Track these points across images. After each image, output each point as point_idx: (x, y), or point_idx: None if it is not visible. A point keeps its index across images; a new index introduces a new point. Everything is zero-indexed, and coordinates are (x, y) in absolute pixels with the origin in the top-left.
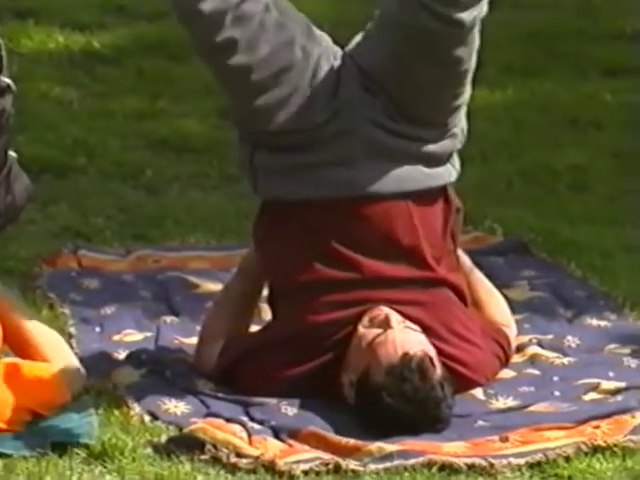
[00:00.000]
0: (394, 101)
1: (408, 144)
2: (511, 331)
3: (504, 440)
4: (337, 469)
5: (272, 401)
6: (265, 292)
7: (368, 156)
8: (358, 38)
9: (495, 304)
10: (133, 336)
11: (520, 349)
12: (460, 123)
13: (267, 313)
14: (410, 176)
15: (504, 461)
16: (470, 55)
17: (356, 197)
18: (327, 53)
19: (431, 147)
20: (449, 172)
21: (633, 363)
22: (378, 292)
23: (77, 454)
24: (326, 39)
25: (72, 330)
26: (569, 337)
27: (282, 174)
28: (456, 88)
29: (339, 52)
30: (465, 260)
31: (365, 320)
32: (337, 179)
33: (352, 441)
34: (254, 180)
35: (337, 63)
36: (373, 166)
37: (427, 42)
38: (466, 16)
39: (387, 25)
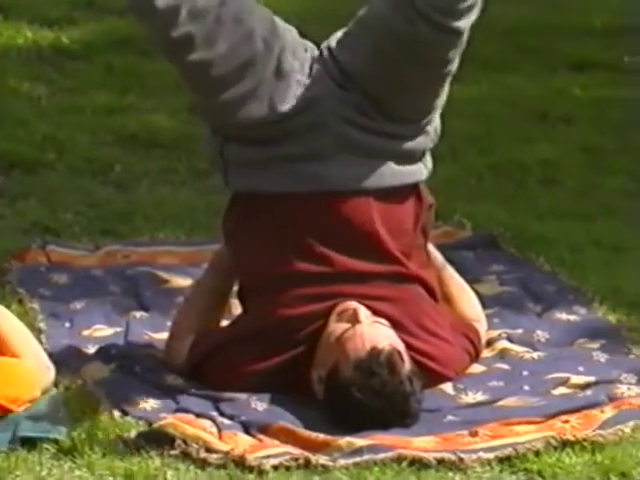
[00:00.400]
0: (371, 98)
1: (380, 141)
2: (481, 326)
3: (474, 435)
4: (307, 464)
5: (242, 396)
6: (236, 287)
7: (339, 151)
8: (339, 34)
9: (466, 300)
10: (103, 331)
11: (490, 344)
12: (434, 122)
13: (237, 308)
14: (381, 172)
15: (474, 456)
16: (457, 56)
17: (326, 192)
18: (293, 46)
19: (404, 144)
20: (420, 170)
21: (602, 357)
22: (349, 286)
23: (47, 449)
24: (293, 33)
25: (42, 325)
26: (538, 331)
27: (253, 167)
28: (440, 87)
29: (310, 45)
30: (437, 256)
31: (333, 315)
32: (307, 173)
33: (322, 436)
34: (225, 173)
35: (307, 56)
36: (343, 162)
37: (419, 48)
38: (463, 24)
39: (375, 28)
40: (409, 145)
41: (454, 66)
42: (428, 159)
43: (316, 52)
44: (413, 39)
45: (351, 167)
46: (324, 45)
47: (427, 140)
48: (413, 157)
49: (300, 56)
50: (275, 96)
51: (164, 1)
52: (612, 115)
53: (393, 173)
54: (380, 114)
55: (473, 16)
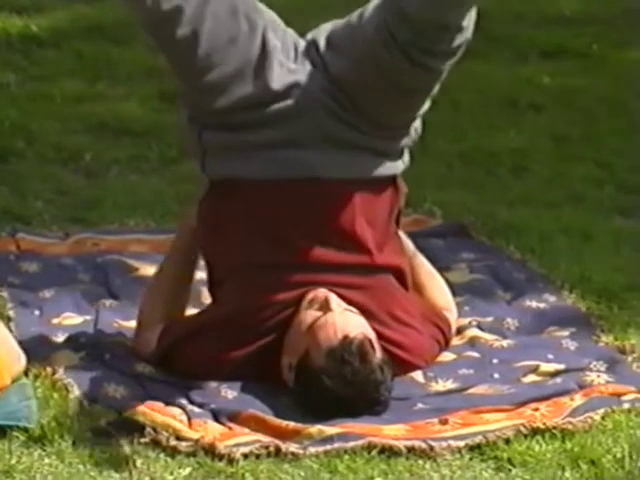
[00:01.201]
0: (352, 100)
1: (360, 136)
2: (452, 314)
3: (444, 423)
4: (277, 452)
5: (212, 384)
6: (204, 275)
7: (318, 141)
8: (328, 29)
9: (436, 288)
10: (72, 319)
11: (460, 331)
12: (414, 123)
13: (207, 296)
14: (360, 164)
15: (444, 444)
16: (437, 85)
17: (303, 179)
18: (273, 25)
19: (384, 143)
20: (398, 165)
21: (572, 345)
22: (320, 276)
23: (16, 437)
24: (271, 13)
25: (11, 313)
26: (508, 319)
27: (232, 154)
28: (420, 107)
29: (289, 31)
30: (408, 244)
31: (304, 303)
32: (289, 159)
33: (292, 424)
34: (203, 160)
35: (289, 40)
36: (323, 150)
37: (397, 77)
38: (444, 66)
39: (360, 44)
40: (389, 144)
41: (434, 91)
42: (406, 154)
43: (299, 39)
44: (392, 67)
45: (330, 156)
46: (310, 37)
47: (407, 140)
48: (393, 154)
49: (280, 37)
50: (261, 75)
51: None
52: (581, 103)
53: (373, 165)
54: (359, 115)
55: (456, 57)
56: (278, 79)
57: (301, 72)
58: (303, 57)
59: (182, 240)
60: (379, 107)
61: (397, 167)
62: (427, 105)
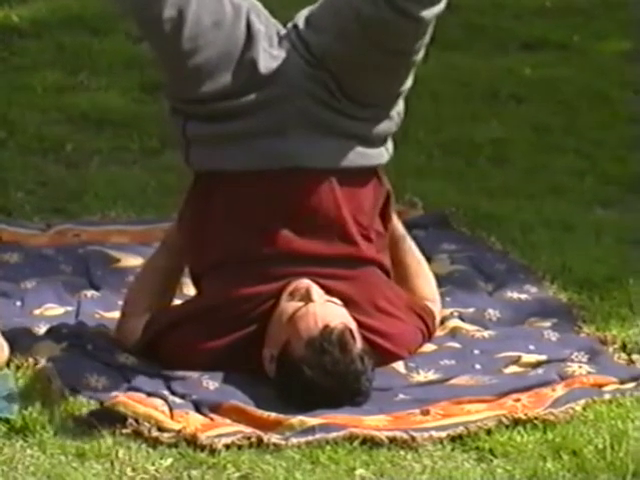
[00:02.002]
0: (337, 79)
1: (344, 121)
2: (436, 306)
3: (425, 413)
4: (259, 443)
5: (194, 375)
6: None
7: (301, 127)
8: (305, 13)
9: (423, 276)
10: (54, 310)
11: (441, 322)
12: (397, 107)
13: (190, 288)
14: (344, 152)
15: (425, 434)
16: (422, 47)
17: (285, 169)
18: (256, 10)
19: (368, 127)
20: (382, 154)
21: (553, 336)
22: (304, 268)
23: None
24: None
25: None
26: (490, 310)
27: (215, 145)
28: (405, 77)
29: (273, 20)
30: (399, 227)
31: (286, 293)
32: (268, 150)
33: (273, 415)
34: (187, 152)
35: (272, 27)
36: (306, 138)
37: (383, 35)
38: (428, 14)
39: (342, 10)
40: (372, 129)
41: (419, 56)
42: (390, 143)
43: (281, 27)
44: (378, 25)
45: (312, 145)
46: (290, 24)
47: (391, 124)
48: (376, 140)
49: (264, 22)
50: (247, 60)
51: None
52: (562, 94)
53: (356, 154)
54: (345, 96)
55: (440, 6)
56: (264, 64)
57: (283, 58)
58: (285, 43)
59: (173, 232)
60: (364, 81)
61: (381, 156)
62: (410, 82)
